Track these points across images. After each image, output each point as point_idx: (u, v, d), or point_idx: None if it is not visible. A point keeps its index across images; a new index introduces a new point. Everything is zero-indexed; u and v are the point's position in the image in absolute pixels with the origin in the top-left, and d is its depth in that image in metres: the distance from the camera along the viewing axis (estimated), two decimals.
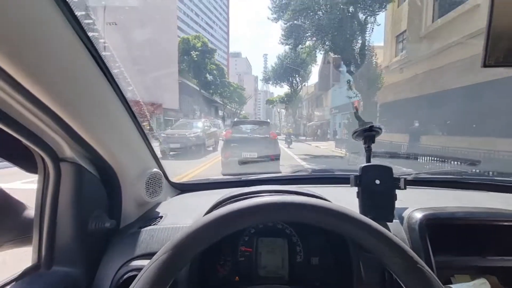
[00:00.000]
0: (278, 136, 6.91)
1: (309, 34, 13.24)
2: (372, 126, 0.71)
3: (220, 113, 47.14)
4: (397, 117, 12.89)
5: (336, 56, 21.01)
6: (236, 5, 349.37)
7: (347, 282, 0.67)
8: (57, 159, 0.61)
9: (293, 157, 10.16)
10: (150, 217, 0.82)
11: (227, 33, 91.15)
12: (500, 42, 0.42)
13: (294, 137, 32.96)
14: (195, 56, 27.38)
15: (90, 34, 0.51)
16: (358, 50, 11.66)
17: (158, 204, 0.92)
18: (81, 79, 0.53)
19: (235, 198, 0.66)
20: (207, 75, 29.80)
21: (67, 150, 0.60)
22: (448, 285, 0.60)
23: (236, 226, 0.40)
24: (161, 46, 23.55)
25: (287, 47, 14.98)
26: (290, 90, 35.03)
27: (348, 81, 12.16)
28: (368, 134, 0.72)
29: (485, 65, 0.44)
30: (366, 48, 11.39)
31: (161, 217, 0.81)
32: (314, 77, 33.81)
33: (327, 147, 16.56)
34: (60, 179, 0.62)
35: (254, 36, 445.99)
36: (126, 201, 0.77)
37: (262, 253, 0.75)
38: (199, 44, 27.89)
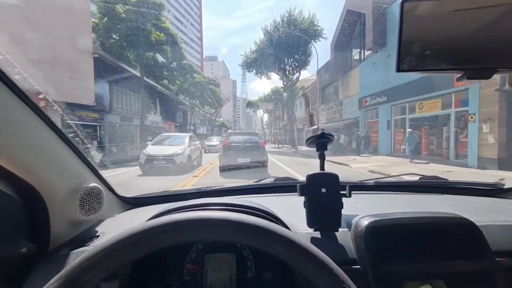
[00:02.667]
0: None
1: None
2: (324, 133, 0.70)
3: (195, 119, 35.66)
4: None
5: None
6: (211, 10, 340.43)
7: None
8: None
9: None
10: (86, 236, 0.74)
11: (200, 32, 79.71)
12: (410, 50, 0.46)
13: (291, 147, 22.38)
14: (122, 12, 15.14)
15: None
16: None
17: (100, 221, 0.84)
18: None
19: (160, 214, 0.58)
20: (152, 53, 17.66)
21: None
22: None
23: (135, 253, 0.36)
24: None
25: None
26: (282, 80, 23.98)
27: None
28: (320, 141, 0.71)
29: (398, 70, 0.47)
30: None
31: (98, 236, 0.74)
32: (314, 63, 23.08)
33: None
34: None
35: (232, 43, 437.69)
36: (56, 221, 0.68)
37: (208, 270, 0.69)
38: None
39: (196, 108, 36.71)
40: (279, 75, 23.90)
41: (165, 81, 21.86)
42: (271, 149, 21.48)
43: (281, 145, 28.89)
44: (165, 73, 19.51)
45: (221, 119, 59.38)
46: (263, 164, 7.01)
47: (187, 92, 29.57)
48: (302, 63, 22.37)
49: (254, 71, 24.28)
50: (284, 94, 33.80)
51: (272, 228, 0.37)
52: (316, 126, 19.49)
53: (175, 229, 0.37)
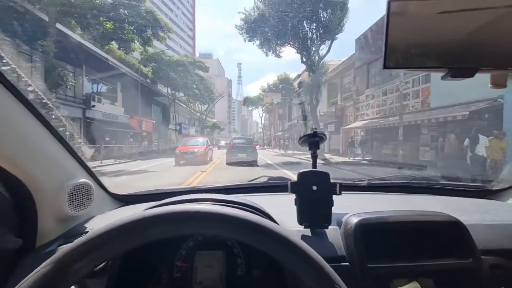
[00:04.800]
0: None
1: None
2: (316, 132, 0.70)
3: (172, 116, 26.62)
4: None
5: None
6: (207, 10, 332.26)
7: None
8: None
9: None
10: (75, 233, 0.73)
11: (193, 23, 71.22)
12: (396, 48, 0.46)
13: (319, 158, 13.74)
14: None
15: None
16: None
17: (90, 218, 0.82)
18: None
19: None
20: None
21: None
22: None
23: (128, 243, 0.36)
24: None
25: None
26: (301, 56, 15.46)
27: None
28: (312, 140, 0.72)
29: (385, 67, 0.47)
30: None
31: (87, 232, 0.73)
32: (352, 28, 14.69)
33: None
34: None
35: (228, 46, 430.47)
36: (44, 217, 0.67)
37: (198, 267, 0.67)
38: None
39: (181, 104, 28.04)
40: (295, 48, 15.54)
41: (113, 45, 13.02)
42: (278, 157, 15.09)
43: (291, 151, 20.40)
44: (107, 24, 10.73)
45: (214, 120, 50.86)
46: (253, 162, 9.71)
47: (163, 77, 20.93)
48: (334, 29, 14.07)
49: (258, 41, 15.85)
50: (295, 83, 25.46)
51: (264, 224, 0.36)
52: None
53: (168, 221, 0.36)
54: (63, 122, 0.72)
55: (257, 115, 49.12)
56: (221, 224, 0.36)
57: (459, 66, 0.46)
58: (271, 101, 24.54)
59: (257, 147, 13.38)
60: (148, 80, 22.17)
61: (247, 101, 38.34)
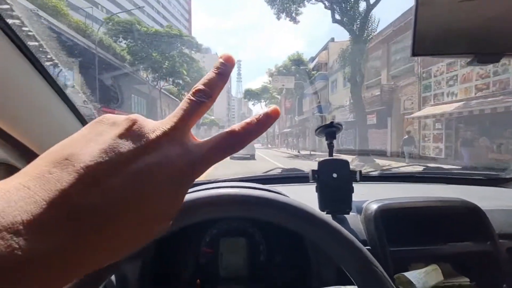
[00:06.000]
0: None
1: None
2: (333, 122, 0.73)
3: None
4: None
5: None
6: (206, 7, 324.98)
7: (308, 280, 0.67)
8: None
9: None
10: None
11: (189, 12, 65.69)
12: (425, 35, 0.47)
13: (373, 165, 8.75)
14: None
15: None
16: None
17: None
18: None
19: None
20: None
21: None
22: (401, 273, 0.58)
23: (207, 214, 0.36)
24: None
25: None
26: (332, 12, 10.21)
27: None
28: (329, 130, 0.73)
29: (413, 54, 0.48)
30: None
31: None
32: None
33: None
34: None
35: (227, 44, 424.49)
36: None
37: (223, 253, 0.71)
38: None
39: (172, 96, 22.85)
40: (325, 3, 10.37)
41: None
42: (298, 162, 11.75)
43: (307, 152, 15.25)
44: None
45: (213, 117, 45.83)
46: (252, 156, 12.03)
47: (144, 59, 15.79)
48: None
49: None
50: (308, 64, 20.23)
51: (318, 214, 0.36)
52: None
53: (232, 202, 0.36)
54: (80, 94, 0.66)
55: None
56: (285, 213, 0.36)
57: (485, 51, 0.47)
58: (281, 87, 19.25)
59: (260, 145, 12.89)
60: (127, 65, 17.11)
61: (248, 94, 33.23)
